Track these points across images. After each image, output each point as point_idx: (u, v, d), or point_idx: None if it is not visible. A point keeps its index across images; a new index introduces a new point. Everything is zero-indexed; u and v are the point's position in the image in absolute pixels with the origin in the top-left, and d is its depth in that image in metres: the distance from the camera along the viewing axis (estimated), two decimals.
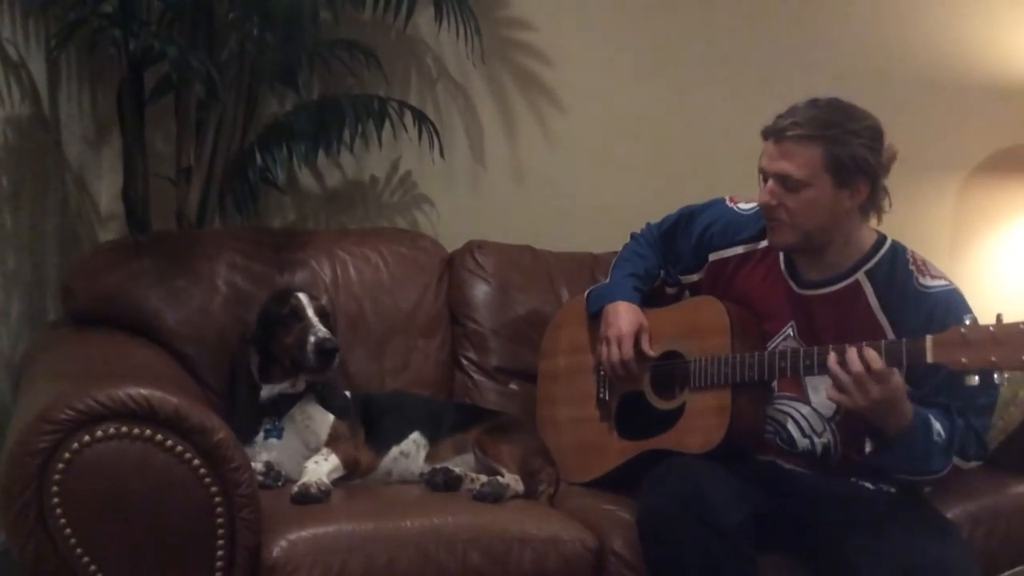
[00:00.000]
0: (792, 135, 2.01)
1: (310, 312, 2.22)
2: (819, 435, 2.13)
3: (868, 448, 2.00)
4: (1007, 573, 1.59)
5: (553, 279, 2.73)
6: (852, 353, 1.89)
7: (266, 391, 2.23)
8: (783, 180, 2.03)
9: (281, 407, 2.22)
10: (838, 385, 1.90)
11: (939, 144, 3.16)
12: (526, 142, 2.99)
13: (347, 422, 2.24)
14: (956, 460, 2.00)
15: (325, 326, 2.21)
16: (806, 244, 2.08)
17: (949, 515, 2.19)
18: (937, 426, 1.96)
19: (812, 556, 2.08)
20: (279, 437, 2.21)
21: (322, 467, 2.12)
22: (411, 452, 2.30)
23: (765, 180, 2.06)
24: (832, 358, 1.91)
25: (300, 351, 2.18)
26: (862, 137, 2.01)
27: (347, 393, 2.34)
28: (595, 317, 2.38)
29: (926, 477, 2.01)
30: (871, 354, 1.87)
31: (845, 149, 2.00)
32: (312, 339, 2.17)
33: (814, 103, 2.04)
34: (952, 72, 3.20)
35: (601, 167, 3.02)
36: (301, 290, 2.33)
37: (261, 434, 2.21)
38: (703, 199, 2.37)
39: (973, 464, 2.04)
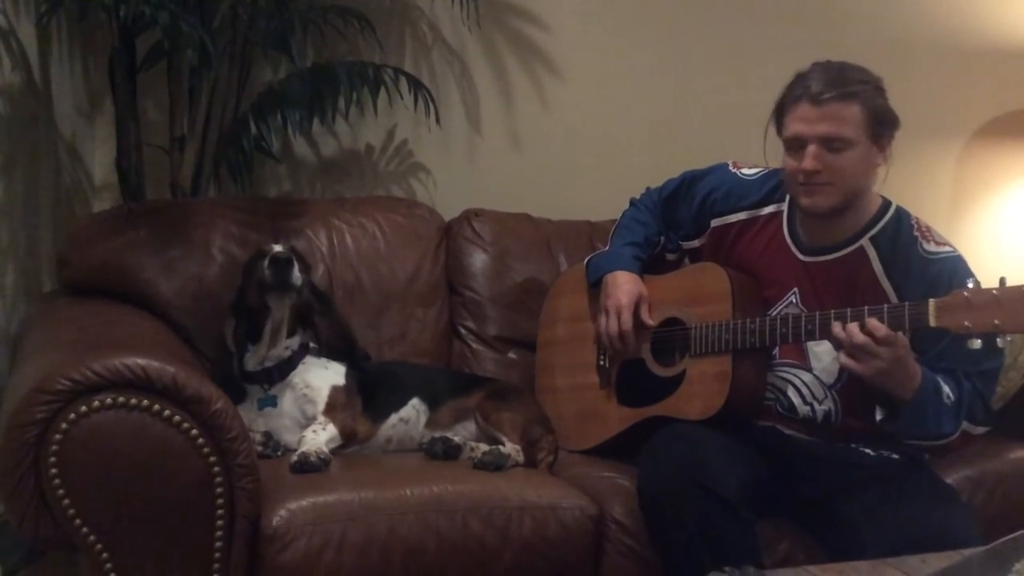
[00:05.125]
0: (832, 95, 1.98)
1: (276, 248, 2.21)
2: (820, 402, 2.12)
3: (879, 415, 1.99)
4: (1007, 538, 1.58)
5: (551, 247, 2.72)
6: (853, 324, 1.88)
7: (254, 357, 2.21)
8: (828, 142, 1.99)
9: (274, 374, 2.21)
10: (848, 351, 1.89)
11: (939, 109, 3.15)
12: (523, 109, 2.96)
13: (345, 390, 2.23)
14: (965, 424, 1.99)
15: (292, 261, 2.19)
16: (843, 206, 2.05)
17: (949, 480, 2.20)
18: (946, 388, 1.96)
19: (812, 522, 2.09)
20: (274, 405, 2.20)
21: (320, 436, 2.11)
22: (411, 418, 2.29)
23: (799, 146, 2.02)
24: (836, 325, 1.90)
25: (261, 276, 2.17)
26: (883, 91, 2.02)
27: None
28: (594, 286, 2.36)
29: (938, 441, 2.00)
30: (874, 323, 1.87)
31: (879, 103, 2.01)
32: (268, 256, 2.17)
33: (827, 66, 2.03)
34: (952, 37, 3.18)
35: (599, 134, 3.00)
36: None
37: (255, 405, 2.19)
38: (702, 166, 2.35)
39: (980, 429, 2.03)
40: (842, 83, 1.99)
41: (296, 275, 2.18)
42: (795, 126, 2.02)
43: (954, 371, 1.98)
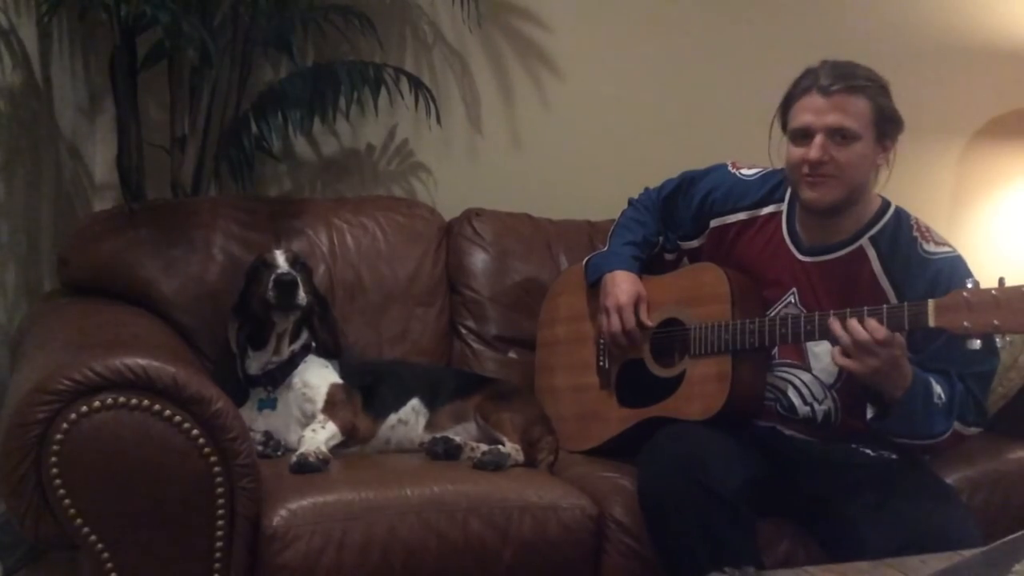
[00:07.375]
0: (841, 87, 2.00)
1: (280, 260, 2.22)
2: (820, 402, 2.12)
3: (869, 413, 1.99)
4: (1007, 539, 1.58)
5: (551, 247, 2.72)
6: (854, 320, 1.88)
7: (256, 362, 2.22)
8: (835, 133, 2.00)
9: (276, 377, 2.21)
10: (845, 351, 1.90)
11: (940, 109, 3.15)
12: (524, 109, 2.96)
13: (344, 387, 2.23)
14: (956, 425, 1.99)
15: (296, 272, 2.20)
16: (845, 202, 2.05)
17: (949, 480, 2.20)
18: (938, 389, 1.96)
19: (812, 522, 2.09)
20: (273, 407, 2.20)
21: (319, 435, 2.11)
22: (410, 420, 2.30)
23: (804, 137, 2.02)
24: (836, 325, 1.90)
25: (265, 295, 2.17)
26: (888, 93, 2.03)
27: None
28: (593, 286, 2.36)
29: (927, 441, 2.00)
30: (873, 324, 1.87)
31: (886, 102, 2.02)
32: (272, 276, 2.17)
33: (836, 63, 2.04)
34: (953, 37, 3.18)
35: (599, 134, 3.00)
36: (280, 248, 2.32)
37: (255, 406, 2.20)
38: (701, 166, 2.35)
39: (972, 430, 2.03)
40: (851, 77, 2.01)
41: (301, 296, 2.18)
42: (803, 116, 2.03)
43: (947, 371, 1.99)
